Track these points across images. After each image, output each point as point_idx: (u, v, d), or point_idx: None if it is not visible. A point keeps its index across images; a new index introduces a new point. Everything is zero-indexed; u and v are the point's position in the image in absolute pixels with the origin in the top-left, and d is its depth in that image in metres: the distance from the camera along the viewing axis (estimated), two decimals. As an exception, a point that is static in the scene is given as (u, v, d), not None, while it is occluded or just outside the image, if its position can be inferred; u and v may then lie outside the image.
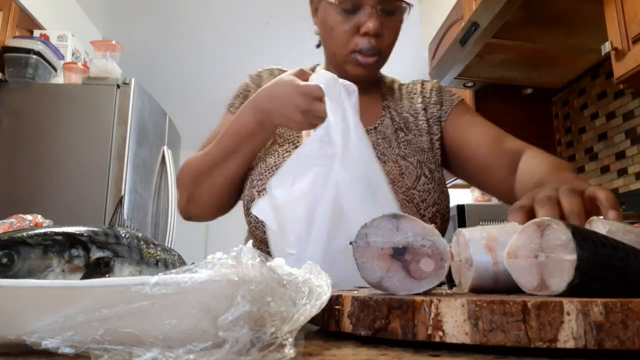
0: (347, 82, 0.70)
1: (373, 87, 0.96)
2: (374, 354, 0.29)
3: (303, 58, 4.18)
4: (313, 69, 1.01)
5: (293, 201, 0.62)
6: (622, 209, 1.49)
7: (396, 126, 0.90)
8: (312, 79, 0.71)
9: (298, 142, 0.86)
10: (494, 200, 2.23)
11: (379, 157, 0.85)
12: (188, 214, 0.89)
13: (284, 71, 1.00)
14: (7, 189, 2.13)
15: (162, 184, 2.65)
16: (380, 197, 0.62)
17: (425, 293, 0.38)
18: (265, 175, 0.82)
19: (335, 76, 0.69)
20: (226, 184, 0.83)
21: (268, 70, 1.01)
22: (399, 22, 0.86)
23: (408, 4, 0.85)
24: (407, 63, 3.21)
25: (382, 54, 0.86)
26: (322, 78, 0.69)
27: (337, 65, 0.91)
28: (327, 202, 0.60)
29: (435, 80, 1.00)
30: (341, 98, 0.66)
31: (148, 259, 0.48)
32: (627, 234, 0.43)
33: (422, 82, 0.99)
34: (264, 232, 0.76)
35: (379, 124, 0.90)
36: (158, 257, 0.49)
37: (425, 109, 0.93)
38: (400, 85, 1.00)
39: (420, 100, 0.95)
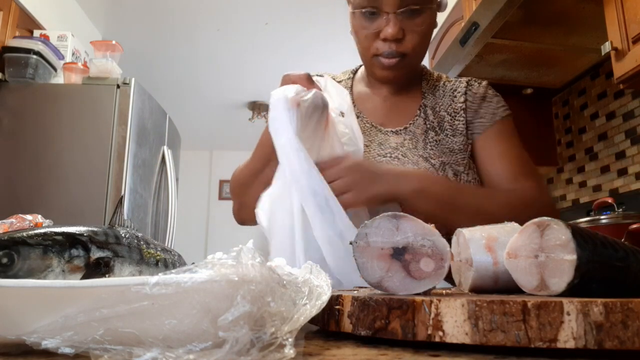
0: (292, 91, 0.70)
1: (414, 86, 0.95)
2: (374, 354, 0.29)
3: (303, 58, 4.16)
4: (355, 71, 1.02)
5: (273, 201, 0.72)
6: (622, 208, 1.49)
7: (428, 125, 0.89)
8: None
9: None
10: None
11: (398, 158, 0.84)
12: (241, 219, 0.94)
13: (322, 77, 1.02)
14: (7, 189, 2.13)
15: (162, 184, 2.65)
16: (329, 208, 0.66)
17: (425, 293, 0.38)
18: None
19: (281, 91, 0.70)
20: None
21: None
22: (425, 22, 0.83)
23: (431, 3, 0.83)
24: (407, 63, 3.20)
25: (406, 55, 0.84)
26: (273, 96, 0.71)
27: (367, 68, 0.94)
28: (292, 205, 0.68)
29: (485, 83, 0.95)
30: (283, 112, 0.67)
31: (148, 259, 0.48)
32: None
33: (469, 82, 0.94)
34: None
35: (410, 123, 0.89)
36: (158, 257, 0.49)
37: (465, 110, 0.90)
38: (447, 81, 0.96)
39: (462, 99, 0.91)
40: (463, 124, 0.88)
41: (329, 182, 0.66)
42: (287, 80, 0.74)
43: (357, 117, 0.91)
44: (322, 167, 0.67)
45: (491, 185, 0.86)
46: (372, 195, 0.70)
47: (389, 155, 0.85)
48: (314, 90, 0.70)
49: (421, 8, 0.82)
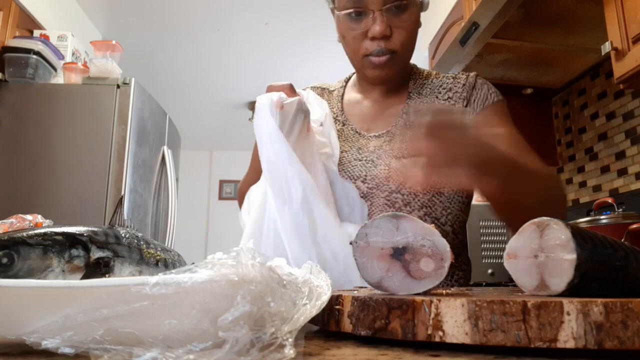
0: (276, 95, 0.73)
1: (401, 87, 0.94)
2: (374, 354, 0.29)
3: (303, 58, 4.16)
4: (348, 79, 1.03)
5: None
6: (622, 208, 1.49)
7: (408, 125, 0.88)
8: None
9: None
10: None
11: (372, 161, 0.85)
12: None
13: (316, 88, 1.03)
14: (7, 189, 2.13)
15: (162, 184, 2.65)
16: (306, 199, 0.69)
17: (425, 293, 0.38)
18: None
19: (266, 97, 0.73)
20: None
21: (302, 91, 1.03)
22: (411, 18, 0.83)
23: None
24: (407, 63, 3.20)
25: (395, 52, 0.84)
26: (258, 101, 0.74)
27: (357, 71, 0.94)
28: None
29: (473, 73, 0.93)
30: (268, 114, 0.71)
31: (148, 259, 0.48)
32: None
33: (456, 76, 0.93)
34: None
35: (392, 126, 0.89)
36: (158, 257, 0.49)
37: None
38: (435, 78, 0.95)
39: (447, 96, 0.90)
40: None
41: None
42: (271, 89, 0.77)
43: (344, 124, 0.93)
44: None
45: None
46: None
47: (364, 158, 0.86)
48: (296, 97, 0.74)
49: (406, 3, 0.82)
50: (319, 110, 0.82)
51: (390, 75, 0.88)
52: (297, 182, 0.68)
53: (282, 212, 0.68)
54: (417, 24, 0.87)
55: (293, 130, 0.73)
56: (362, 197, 0.83)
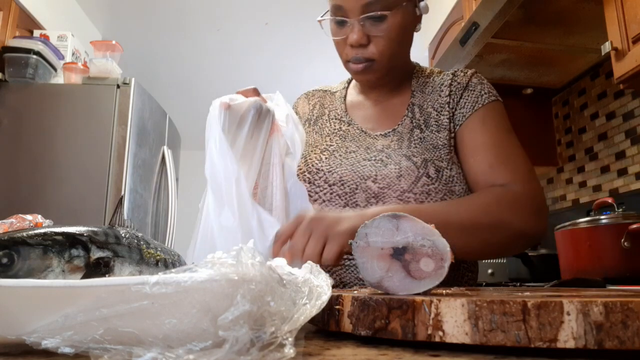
0: (226, 98, 0.75)
1: (404, 86, 0.94)
2: (374, 354, 0.29)
3: (303, 58, 4.16)
4: (350, 80, 1.04)
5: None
6: (622, 208, 1.49)
7: (414, 124, 0.88)
8: None
9: None
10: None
11: (382, 160, 0.84)
12: None
13: (318, 91, 1.04)
14: (7, 189, 2.13)
15: (162, 184, 2.65)
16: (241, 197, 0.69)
17: (425, 293, 0.38)
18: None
19: (217, 99, 0.75)
20: None
21: (304, 95, 1.06)
22: (392, 27, 0.82)
23: (397, 7, 0.82)
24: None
25: (373, 60, 0.84)
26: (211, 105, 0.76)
27: None
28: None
29: (470, 72, 0.91)
30: (214, 116, 0.74)
31: (148, 259, 0.48)
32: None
33: (455, 73, 0.92)
34: None
35: (398, 124, 0.89)
36: (158, 257, 0.49)
37: (449, 103, 0.88)
38: (436, 76, 0.94)
39: (447, 93, 0.89)
40: (447, 119, 0.86)
41: (301, 249, 0.64)
42: (238, 94, 0.78)
43: (349, 124, 0.93)
44: (285, 235, 0.66)
45: (471, 181, 0.84)
46: (344, 233, 0.65)
47: (373, 158, 0.85)
48: (250, 98, 0.75)
49: (385, 14, 0.81)
50: (286, 110, 0.83)
51: (372, 82, 0.89)
52: (234, 184, 0.68)
53: (219, 213, 0.68)
54: (403, 29, 0.85)
55: (241, 131, 0.74)
56: (372, 197, 0.81)
